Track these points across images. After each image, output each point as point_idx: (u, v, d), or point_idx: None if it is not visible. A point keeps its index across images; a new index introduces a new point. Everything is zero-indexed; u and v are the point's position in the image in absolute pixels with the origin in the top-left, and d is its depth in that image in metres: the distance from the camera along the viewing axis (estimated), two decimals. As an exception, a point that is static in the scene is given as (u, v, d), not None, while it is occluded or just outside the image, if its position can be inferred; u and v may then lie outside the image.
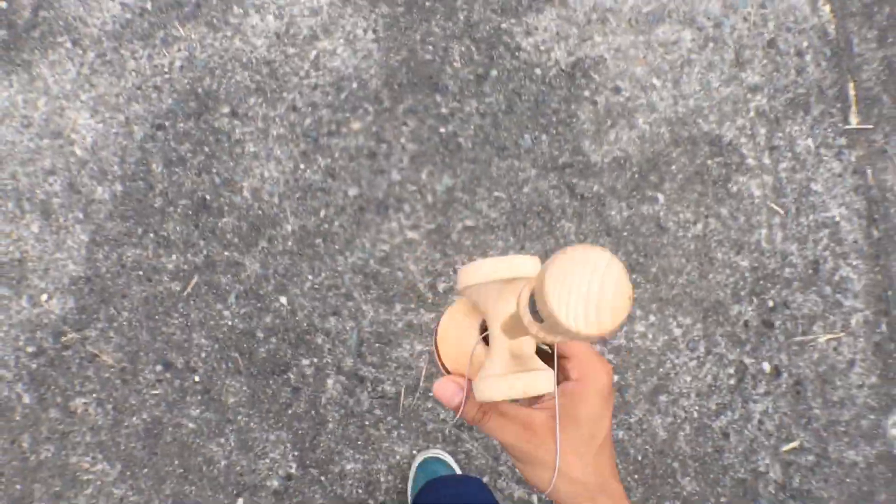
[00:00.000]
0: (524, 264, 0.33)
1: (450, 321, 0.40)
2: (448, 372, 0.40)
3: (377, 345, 1.25)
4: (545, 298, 0.24)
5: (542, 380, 0.34)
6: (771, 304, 1.30)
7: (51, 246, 1.26)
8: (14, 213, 1.28)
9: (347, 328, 1.24)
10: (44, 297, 1.26)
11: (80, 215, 1.26)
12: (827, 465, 1.32)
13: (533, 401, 0.40)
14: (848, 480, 1.32)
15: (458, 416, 0.38)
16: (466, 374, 0.38)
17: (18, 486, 1.25)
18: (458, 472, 1.18)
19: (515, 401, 0.41)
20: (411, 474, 1.18)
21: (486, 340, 0.39)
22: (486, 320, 0.37)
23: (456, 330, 0.40)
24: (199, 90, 1.29)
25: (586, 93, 1.33)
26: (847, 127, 1.40)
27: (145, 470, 1.23)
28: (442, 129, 1.31)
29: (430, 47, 1.32)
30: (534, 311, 0.27)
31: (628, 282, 0.24)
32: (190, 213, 1.26)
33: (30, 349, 1.26)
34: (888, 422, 1.34)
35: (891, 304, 1.36)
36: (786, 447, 1.30)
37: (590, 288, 0.24)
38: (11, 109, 1.31)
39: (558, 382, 0.40)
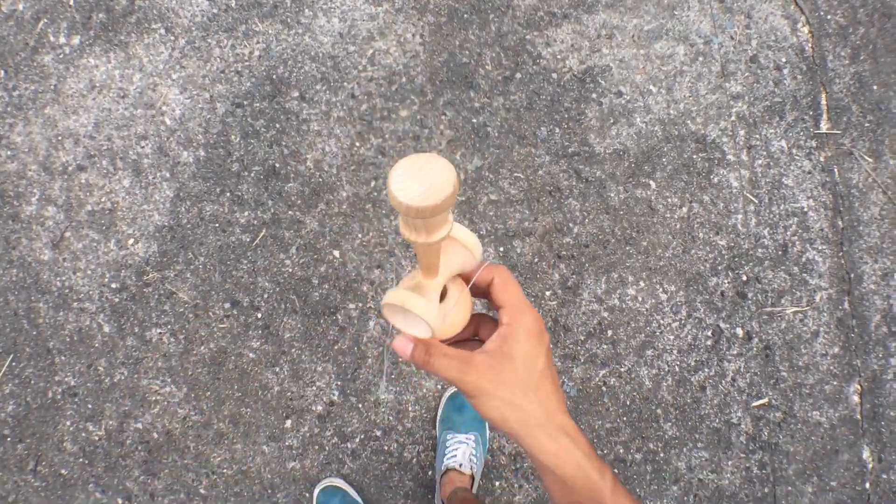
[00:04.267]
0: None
1: (393, 294, 0.46)
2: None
3: (412, 294, 1.60)
4: (389, 185, 0.33)
5: (419, 303, 0.43)
6: (744, 278, 1.65)
7: (139, 199, 1.62)
8: (108, 170, 1.64)
9: (389, 279, 1.60)
10: (130, 241, 1.61)
11: (167, 174, 1.63)
12: (793, 422, 1.59)
13: (474, 347, 0.48)
14: (813, 438, 1.58)
15: (410, 360, 0.46)
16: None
17: (90, 406, 1.57)
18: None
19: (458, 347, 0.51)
20: (441, 403, 1.52)
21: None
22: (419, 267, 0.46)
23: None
24: (274, 76, 1.67)
25: (594, 95, 1.72)
26: (818, 131, 1.72)
27: (208, 393, 1.56)
28: (474, 120, 1.69)
29: (467, 52, 1.71)
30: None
31: (454, 176, 0.35)
32: (261, 177, 1.63)
33: (114, 285, 1.60)
34: (850, 389, 1.61)
35: (853, 284, 1.67)
36: (756, 403, 1.61)
37: (422, 178, 0.34)
38: (109, 82, 1.68)
39: (490, 330, 0.49)
